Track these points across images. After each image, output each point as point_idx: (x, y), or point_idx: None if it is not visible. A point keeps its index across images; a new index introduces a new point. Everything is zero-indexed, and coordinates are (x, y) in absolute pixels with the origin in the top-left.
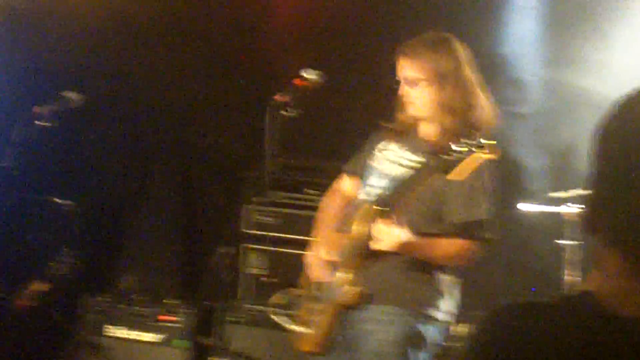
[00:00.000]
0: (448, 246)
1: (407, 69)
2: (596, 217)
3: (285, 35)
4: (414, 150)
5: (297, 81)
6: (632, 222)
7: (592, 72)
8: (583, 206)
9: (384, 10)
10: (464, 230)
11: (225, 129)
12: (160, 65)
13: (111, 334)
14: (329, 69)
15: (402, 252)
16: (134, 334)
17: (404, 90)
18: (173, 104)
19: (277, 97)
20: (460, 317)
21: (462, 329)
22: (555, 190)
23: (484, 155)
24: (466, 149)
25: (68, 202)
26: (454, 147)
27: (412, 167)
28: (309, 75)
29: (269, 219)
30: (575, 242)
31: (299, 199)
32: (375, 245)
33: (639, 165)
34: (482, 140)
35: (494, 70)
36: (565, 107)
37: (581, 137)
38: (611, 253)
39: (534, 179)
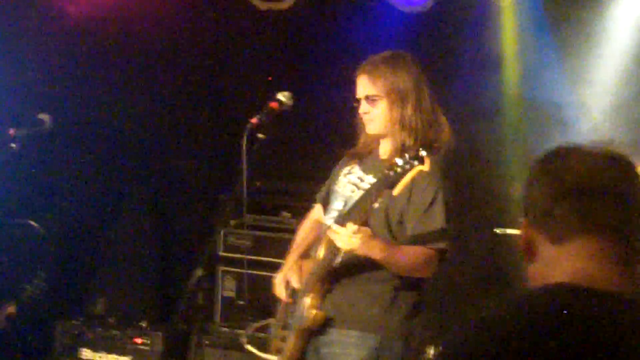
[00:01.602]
0: (409, 250)
1: (368, 87)
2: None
3: (261, 58)
4: (373, 171)
5: (272, 104)
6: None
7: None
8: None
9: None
10: (418, 242)
11: (201, 153)
12: (135, 89)
13: (87, 357)
14: (305, 92)
15: (365, 250)
16: (111, 357)
17: (364, 108)
18: (148, 127)
19: (254, 120)
20: (438, 339)
21: (436, 350)
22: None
23: (422, 168)
24: (407, 165)
25: (40, 225)
26: (398, 162)
27: (366, 190)
28: (285, 98)
29: (245, 242)
30: None
31: (275, 222)
32: (340, 246)
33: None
34: (422, 153)
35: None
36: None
37: None
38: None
39: (510, 202)
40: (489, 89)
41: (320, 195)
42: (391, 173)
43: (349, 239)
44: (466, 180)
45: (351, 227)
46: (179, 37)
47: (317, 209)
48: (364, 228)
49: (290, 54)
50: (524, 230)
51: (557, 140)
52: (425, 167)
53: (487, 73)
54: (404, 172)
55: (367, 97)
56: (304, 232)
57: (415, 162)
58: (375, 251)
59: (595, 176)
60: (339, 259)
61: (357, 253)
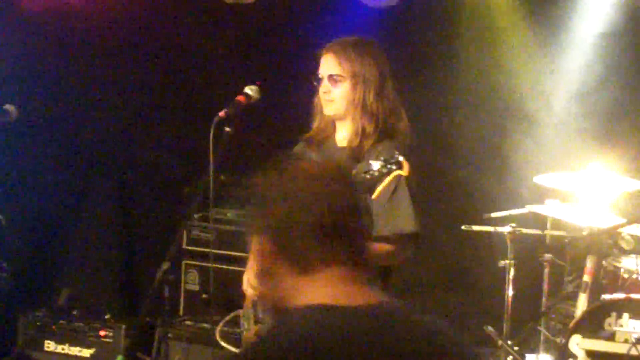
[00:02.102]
0: (376, 247)
1: (333, 66)
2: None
3: (228, 51)
4: (331, 157)
5: (240, 97)
6: None
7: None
8: None
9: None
10: (388, 229)
11: (167, 145)
12: (100, 80)
13: (51, 350)
14: (271, 85)
15: None
16: (75, 350)
17: (326, 87)
18: (113, 119)
19: (221, 114)
20: None
21: None
22: (495, 210)
23: (401, 173)
24: (385, 169)
25: (3, 216)
26: (374, 166)
27: None
28: (252, 91)
29: (210, 236)
30: (512, 261)
31: (240, 216)
32: None
33: None
34: (400, 158)
35: None
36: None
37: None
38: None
39: (475, 199)
40: (453, 82)
41: None
42: (367, 177)
43: None
44: (431, 178)
45: None
46: (146, 30)
47: None
48: None
49: (257, 47)
50: (263, 247)
51: (521, 132)
52: (404, 172)
53: (451, 67)
54: (382, 176)
55: (330, 76)
56: None
57: (394, 167)
58: None
59: (334, 212)
60: None
61: None
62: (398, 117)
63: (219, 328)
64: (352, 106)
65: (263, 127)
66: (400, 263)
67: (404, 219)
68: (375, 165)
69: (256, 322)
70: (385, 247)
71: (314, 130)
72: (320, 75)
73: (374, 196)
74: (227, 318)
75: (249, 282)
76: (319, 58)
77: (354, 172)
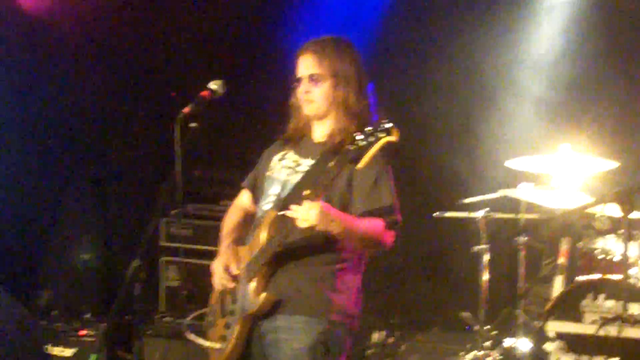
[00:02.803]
0: (365, 222)
1: (313, 66)
2: None
3: (198, 46)
4: (310, 154)
5: (204, 93)
6: None
7: None
8: None
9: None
10: (371, 215)
11: (140, 143)
12: (71, 79)
13: None
14: (242, 79)
15: (325, 225)
16: (57, 350)
17: (306, 87)
18: (86, 118)
19: (186, 110)
20: (381, 326)
21: (380, 336)
22: (467, 196)
23: (390, 139)
24: (372, 138)
25: None
26: (359, 136)
27: (305, 172)
28: (216, 86)
29: (186, 231)
30: (486, 246)
31: (216, 210)
32: (300, 224)
33: None
34: (386, 125)
35: None
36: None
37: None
38: None
39: (448, 185)
40: (422, 68)
41: (248, 181)
42: (352, 148)
43: (308, 215)
44: (403, 165)
45: (309, 204)
46: (116, 25)
47: (244, 195)
48: (322, 204)
49: (225, 41)
50: None
51: (491, 116)
52: (393, 137)
53: (420, 52)
54: (369, 144)
55: (310, 76)
56: (231, 219)
57: (381, 134)
58: (334, 226)
59: None
60: (290, 240)
61: (317, 229)
62: (370, 114)
63: (186, 322)
64: (333, 105)
65: (238, 121)
66: (383, 247)
67: (385, 196)
68: (361, 135)
69: (224, 315)
70: (369, 220)
71: (290, 130)
72: (299, 76)
73: (360, 165)
74: (197, 313)
75: (216, 273)
76: (297, 59)
77: (318, 157)
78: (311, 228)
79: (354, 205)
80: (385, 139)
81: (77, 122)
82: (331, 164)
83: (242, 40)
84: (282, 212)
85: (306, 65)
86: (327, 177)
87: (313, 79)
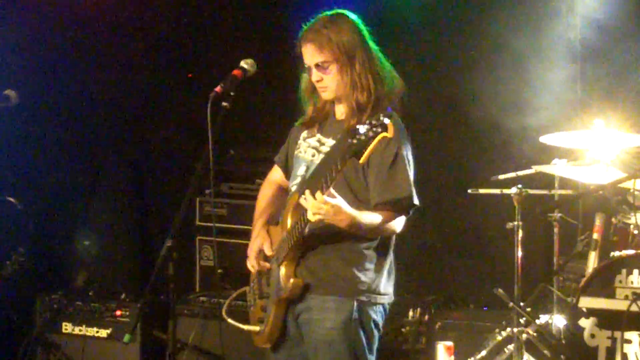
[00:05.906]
0: (373, 217)
1: (315, 55)
2: None
3: (230, 26)
4: (332, 133)
5: (236, 72)
6: None
7: None
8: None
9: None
10: (385, 205)
11: (177, 123)
12: (108, 62)
13: (68, 331)
14: (273, 58)
15: (339, 219)
16: (92, 331)
17: (316, 76)
18: (122, 100)
19: (217, 89)
20: (417, 303)
21: (416, 314)
22: (501, 172)
23: (386, 135)
24: (371, 132)
25: (18, 201)
26: (360, 130)
27: (326, 153)
28: (248, 65)
29: (221, 211)
30: (520, 222)
31: (251, 190)
32: (310, 217)
33: None
34: (386, 121)
35: None
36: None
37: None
38: None
39: (482, 161)
40: (457, 48)
41: (279, 157)
42: (354, 141)
43: (318, 209)
44: (436, 142)
45: (320, 197)
46: (150, 9)
47: (276, 170)
48: (332, 199)
49: (257, 20)
50: None
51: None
52: (389, 133)
53: (460, 29)
54: (368, 139)
55: (317, 65)
56: (265, 197)
57: (379, 129)
58: (342, 221)
59: None
60: (307, 229)
61: (325, 222)
62: (387, 78)
63: (225, 306)
64: (343, 86)
65: (271, 101)
66: (391, 234)
67: (401, 187)
68: (362, 129)
69: (261, 297)
70: (384, 213)
71: (312, 113)
72: (307, 65)
73: (362, 160)
74: (234, 295)
75: (253, 256)
76: (299, 50)
77: (338, 137)
78: (320, 221)
79: (370, 193)
80: (381, 135)
81: (114, 104)
82: (336, 156)
83: (273, 19)
84: (300, 199)
85: (309, 54)
86: (335, 169)
87: (319, 67)
